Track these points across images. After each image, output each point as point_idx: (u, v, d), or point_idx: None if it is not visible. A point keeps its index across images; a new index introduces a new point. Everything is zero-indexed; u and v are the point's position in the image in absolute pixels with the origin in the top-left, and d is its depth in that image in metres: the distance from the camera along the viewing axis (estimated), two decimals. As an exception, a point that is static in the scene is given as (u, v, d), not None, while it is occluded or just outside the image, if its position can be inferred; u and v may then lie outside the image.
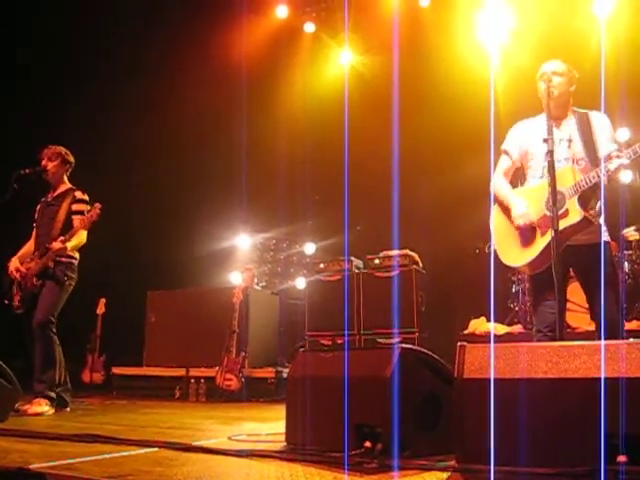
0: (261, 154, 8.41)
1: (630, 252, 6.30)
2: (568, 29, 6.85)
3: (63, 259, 4.97)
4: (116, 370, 7.60)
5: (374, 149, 7.53)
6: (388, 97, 6.96)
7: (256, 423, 4.39)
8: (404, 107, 7.03)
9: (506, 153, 3.71)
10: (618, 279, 3.50)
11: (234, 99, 8.21)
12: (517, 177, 3.76)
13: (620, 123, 6.17)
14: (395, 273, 6.75)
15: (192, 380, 6.85)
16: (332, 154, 7.06)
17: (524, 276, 6.34)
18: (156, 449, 2.94)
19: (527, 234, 3.45)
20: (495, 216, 3.65)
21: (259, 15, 8.95)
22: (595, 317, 3.43)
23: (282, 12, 9.01)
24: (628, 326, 5.85)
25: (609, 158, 3.27)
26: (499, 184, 3.65)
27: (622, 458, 2.04)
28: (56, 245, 4.84)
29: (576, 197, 3.27)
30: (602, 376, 2.19)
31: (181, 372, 7.10)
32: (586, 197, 3.30)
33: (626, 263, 6.27)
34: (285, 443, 3.08)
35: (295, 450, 2.88)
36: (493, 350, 2.44)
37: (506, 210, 3.56)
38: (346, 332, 6.62)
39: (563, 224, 3.19)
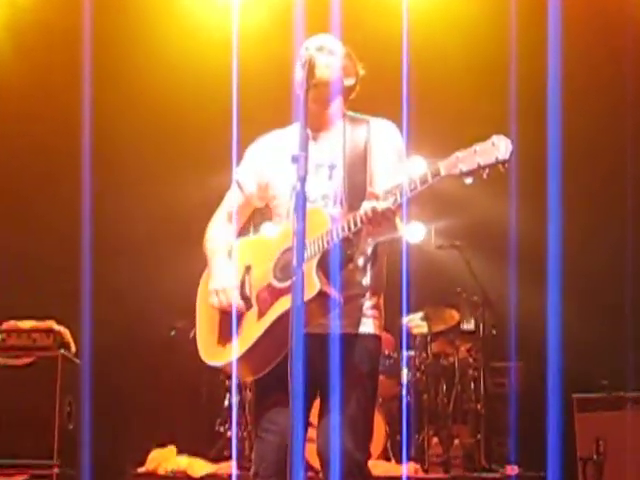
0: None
1: (412, 353, 4.16)
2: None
3: None
4: None
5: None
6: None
7: None
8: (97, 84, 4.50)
9: (237, 184, 2.63)
10: (375, 393, 2.26)
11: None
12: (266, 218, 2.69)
13: (416, 149, 4.04)
14: (28, 360, 4.52)
15: None
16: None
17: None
18: None
19: (233, 317, 2.39)
20: (201, 288, 2.55)
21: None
22: (319, 448, 2.26)
23: None
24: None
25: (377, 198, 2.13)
26: (213, 234, 2.56)
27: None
28: None
29: (316, 259, 2.16)
30: None
31: None
32: (330, 259, 2.25)
33: (405, 370, 4.09)
34: None
35: None
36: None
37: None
38: None
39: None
